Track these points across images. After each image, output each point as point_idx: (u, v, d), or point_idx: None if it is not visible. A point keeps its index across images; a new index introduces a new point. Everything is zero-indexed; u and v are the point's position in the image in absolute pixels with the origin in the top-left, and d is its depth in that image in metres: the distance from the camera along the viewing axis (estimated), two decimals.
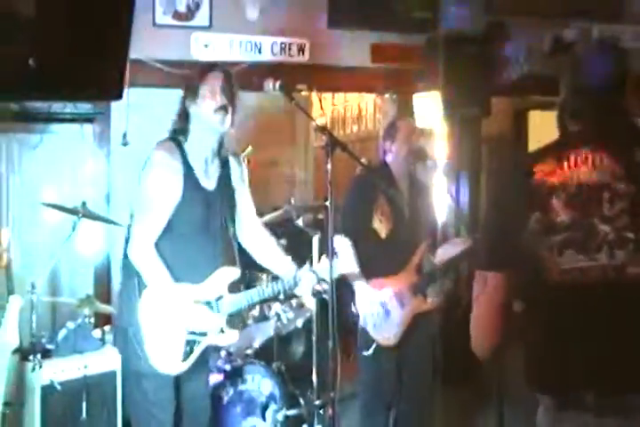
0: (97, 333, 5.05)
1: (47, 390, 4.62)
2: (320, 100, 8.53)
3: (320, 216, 5.93)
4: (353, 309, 4.74)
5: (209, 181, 3.89)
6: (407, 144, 4.89)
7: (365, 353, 4.73)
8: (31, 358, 4.64)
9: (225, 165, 3.99)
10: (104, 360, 4.89)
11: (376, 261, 4.62)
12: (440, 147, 6.57)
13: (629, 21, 7.24)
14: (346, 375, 4.42)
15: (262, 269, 4.52)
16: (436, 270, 4.76)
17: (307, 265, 4.00)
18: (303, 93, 7.09)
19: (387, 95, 7.22)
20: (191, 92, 3.82)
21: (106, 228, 6.02)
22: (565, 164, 2.38)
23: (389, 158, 4.94)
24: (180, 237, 3.81)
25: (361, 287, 4.67)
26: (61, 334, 4.91)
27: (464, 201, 6.68)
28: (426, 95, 6.31)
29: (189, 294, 3.77)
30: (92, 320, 5.04)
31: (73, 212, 5.05)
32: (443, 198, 5.53)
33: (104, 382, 4.87)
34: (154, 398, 3.84)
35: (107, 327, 5.17)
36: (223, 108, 3.78)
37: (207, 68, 3.93)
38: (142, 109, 6.38)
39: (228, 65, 5.90)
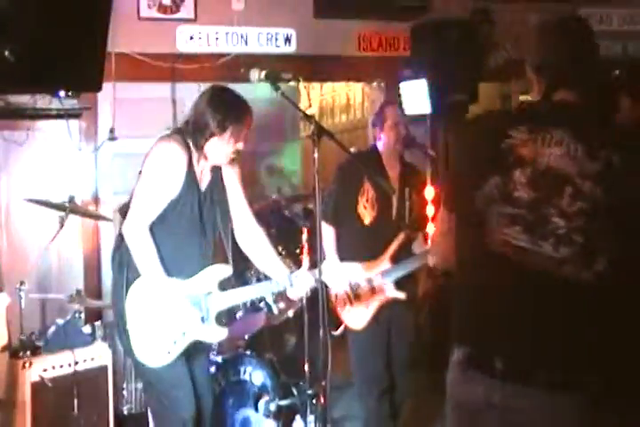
0: (87, 328, 5.02)
1: (37, 387, 4.60)
2: (308, 91, 8.51)
3: (310, 206, 5.92)
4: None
5: (203, 181, 3.97)
6: (395, 131, 4.88)
7: (334, 333, 4.76)
8: (21, 354, 4.63)
9: (217, 169, 4.05)
10: (94, 356, 4.88)
11: (356, 247, 4.64)
12: (428, 133, 6.54)
13: (616, 4, 7.23)
14: (338, 365, 4.41)
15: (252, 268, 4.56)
16: (411, 260, 4.75)
17: (304, 267, 4.02)
18: (291, 84, 7.06)
19: (374, 84, 7.20)
20: (220, 123, 3.84)
21: (94, 223, 6.00)
22: (540, 138, 2.37)
23: (379, 145, 4.95)
24: (173, 232, 3.85)
25: (334, 264, 4.66)
26: (51, 330, 4.89)
27: None
28: (413, 82, 6.27)
29: (178, 288, 3.78)
30: (82, 316, 5.03)
31: (60, 207, 5.03)
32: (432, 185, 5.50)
33: (95, 377, 4.86)
34: (170, 382, 3.87)
35: (97, 323, 5.15)
36: (236, 153, 3.93)
37: (245, 109, 3.93)
38: (129, 104, 6.35)
39: (214, 57, 5.93)
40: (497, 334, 2.41)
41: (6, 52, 3.33)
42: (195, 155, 3.87)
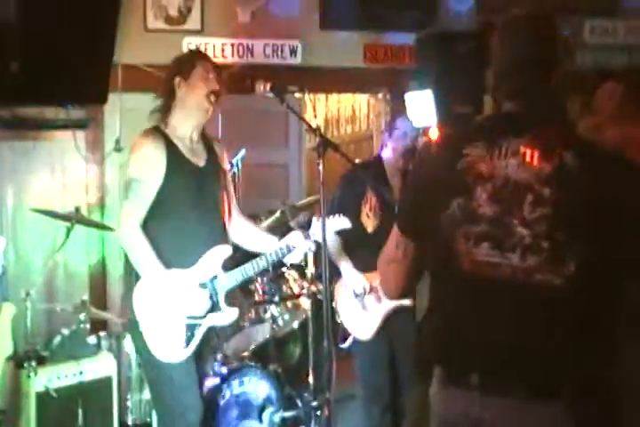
0: (92, 339, 5.03)
1: (43, 397, 4.62)
2: (313, 102, 8.51)
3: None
4: (333, 303, 4.75)
5: (197, 159, 3.93)
6: (404, 142, 4.90)
7: (342, 346, 4.76)
8: (26, 364, 4.63)
9: (210, 148, 4.03)
10: (99, 366, 4.90)
11: (360, 256, 4.63)
12: None
13: (623, 17, 7.24)
14: (343, 376, 4.41)
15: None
16: None
17: (297, 231, 4.03)
18: (296, 95, 7.08)
19: (380, 95, 7.22)
20: (183, 72, 3.86)
21: (100, 233, 6.02)
22: (496, 151, 2.35)
23: (385, 153, 4.96)
24: (174, 214, 3.82)
25: (347, 270, 4.68)
26: (56, 340, 4.90)
27: None
28: (419, 94, 6.28)
29: (183, 278, 3.79)
30: (88, 326, 5.03)
31: (66, 218, 5.04)
32: None
33: (100, 388, 4.88)
34: (179, 384, 3.85)
35: (102, 333, 5.16)
36: (214, 93, 3.85)
37: (198, 53, 4.08)
38: (135, 115, 6.37)
39: (220, 68, 5.94)
40: (474, 351, 2.41)
41: (13, 64, 3.33)
42: (171, 134, 3.85)
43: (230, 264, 3.97)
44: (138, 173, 3.79)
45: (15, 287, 5.11)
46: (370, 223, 4.75)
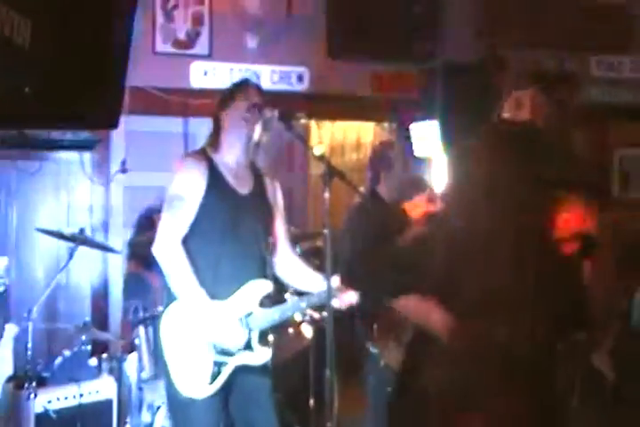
0: (93, 361, 5.01)
1: (42, 419, 4.59)
2: (318, 128, 8.55)
3: (318, 243, 5.91)
4: (367, 345, 4.70)
5: (241, 186, 3.84)
6: (404, 173, 4.87)
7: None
8: (26, 385, 4.61)
9: (258, 179, 3.95)
10: (100, 389, 4.86)
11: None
12: (438, 176, 6.57)
13: (631, 52, 7.28)
14: (344, 405, 4.39)
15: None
16: None
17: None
18: (302, 121, 7.12)
19: (385, 124, 7.25)
20: (224, 101, 3.86)
21: (103, 255, 6.03)
22: None
23: (382, 188, 4.90)
24: (209, 238, 3.71)
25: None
26: (57, 361, 4.88)
27: None
28: (424, 124, 6.32)
29: (217, 309, 3.63)
30: (89, 348, 5.02)
31: (70, 238, 5.05)
32: None
33: (99, 410, 4.85)
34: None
35: (103, 355, 5.13)
36: (255, 106, 3.78)
37: (240, 82, 3.99)
38: (141, 137, 6.40)
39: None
40: None
41: (26, 89, 3.35)
42: (217, 159, 3.80)
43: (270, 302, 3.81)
44: (178, 189, 3.71)
45: (17, 307, 5.10)
46: None
